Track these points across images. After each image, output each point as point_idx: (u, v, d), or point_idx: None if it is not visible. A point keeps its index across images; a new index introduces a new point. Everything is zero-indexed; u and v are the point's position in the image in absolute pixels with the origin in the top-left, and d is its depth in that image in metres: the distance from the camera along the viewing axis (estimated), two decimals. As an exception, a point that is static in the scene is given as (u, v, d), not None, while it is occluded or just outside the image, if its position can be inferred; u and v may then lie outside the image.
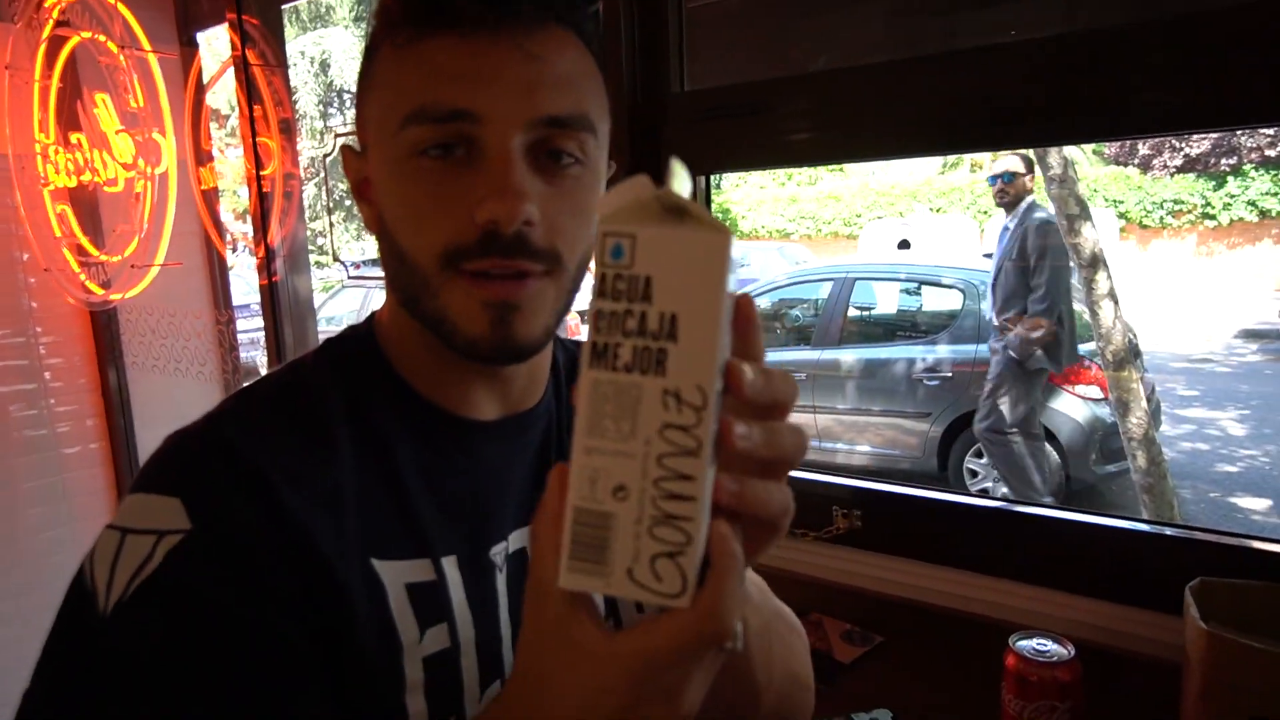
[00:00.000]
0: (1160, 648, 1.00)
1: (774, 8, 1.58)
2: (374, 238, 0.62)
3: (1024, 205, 3.79)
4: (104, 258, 2.05)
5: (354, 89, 0.66)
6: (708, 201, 1.43)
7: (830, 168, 11.35)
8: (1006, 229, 3.87)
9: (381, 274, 0.62)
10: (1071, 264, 3.76)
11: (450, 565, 0.60)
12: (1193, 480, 4.79)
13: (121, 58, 1.78)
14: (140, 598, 0.48)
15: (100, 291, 2.05)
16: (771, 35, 1.57)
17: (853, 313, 5.03)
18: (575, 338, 0.82)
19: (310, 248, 2.04)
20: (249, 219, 1.91)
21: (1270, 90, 0.92)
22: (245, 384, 0.62)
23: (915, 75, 1.16)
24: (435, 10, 0.55)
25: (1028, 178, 3.77)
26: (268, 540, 0.51)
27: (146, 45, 1.76)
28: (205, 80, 2.03)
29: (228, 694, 0.48)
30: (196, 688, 0.47)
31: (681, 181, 0.38)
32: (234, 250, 3.21)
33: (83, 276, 2.08)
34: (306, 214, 2.00)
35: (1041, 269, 3.70)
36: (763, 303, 5.37)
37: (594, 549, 0.38)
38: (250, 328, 2.38)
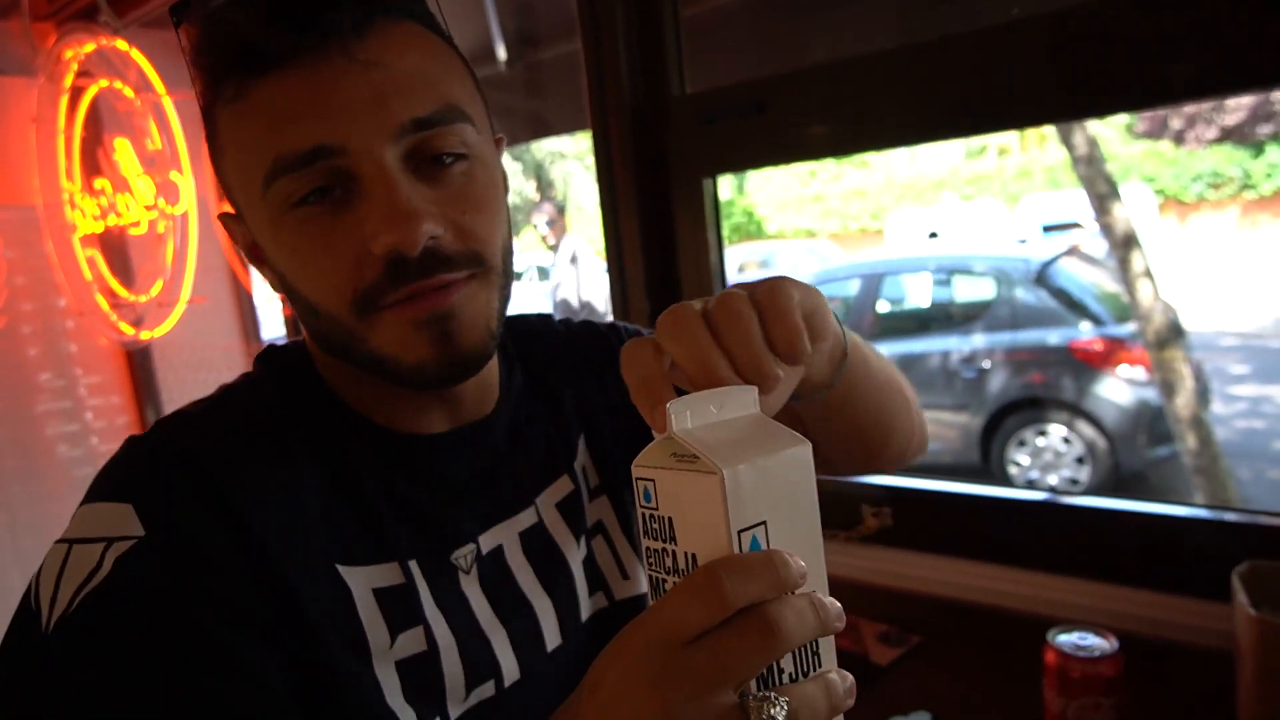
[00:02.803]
0: (1209, 636, 0.96)
1: (776, 9, 1.57)
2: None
3: (563, 244, 4.48)
4: (133, 298, 2.10)
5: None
6: (720, 206, 1.41)
7: (854, 163, 11.23)
8: (554, 266, 4.58)
9: None
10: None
11: (416, 569, 0.59)
12: (1251, 459, 4.61)
13: (138, 102, 1.83)
14: (86, 609, 0.46)
15: (131, 331, 2.09)
16: (775, 36, 1.56)
17: (885, 307, 4.96)
18: (541, 313, 0.78)
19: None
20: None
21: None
22: (199, 398, 0.60)
23: (925, 59, 1.13)
24: (251, 53, 0.50)
25: (562, 220, 4.58)
26: (226, 546, 0.50)
27: (161, 89, 1.80)
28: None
29: (183, 701, 0.46)
30: (148, 697, 0.45)
31: (682, 419, 0.39)
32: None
33: (114, 317, 2.13)
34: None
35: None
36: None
37: None
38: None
